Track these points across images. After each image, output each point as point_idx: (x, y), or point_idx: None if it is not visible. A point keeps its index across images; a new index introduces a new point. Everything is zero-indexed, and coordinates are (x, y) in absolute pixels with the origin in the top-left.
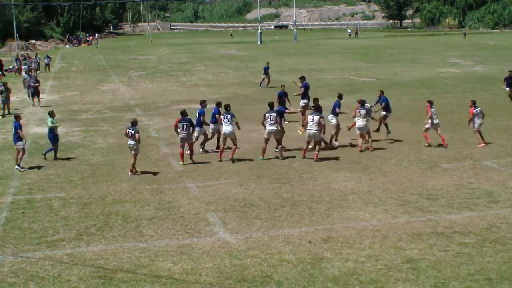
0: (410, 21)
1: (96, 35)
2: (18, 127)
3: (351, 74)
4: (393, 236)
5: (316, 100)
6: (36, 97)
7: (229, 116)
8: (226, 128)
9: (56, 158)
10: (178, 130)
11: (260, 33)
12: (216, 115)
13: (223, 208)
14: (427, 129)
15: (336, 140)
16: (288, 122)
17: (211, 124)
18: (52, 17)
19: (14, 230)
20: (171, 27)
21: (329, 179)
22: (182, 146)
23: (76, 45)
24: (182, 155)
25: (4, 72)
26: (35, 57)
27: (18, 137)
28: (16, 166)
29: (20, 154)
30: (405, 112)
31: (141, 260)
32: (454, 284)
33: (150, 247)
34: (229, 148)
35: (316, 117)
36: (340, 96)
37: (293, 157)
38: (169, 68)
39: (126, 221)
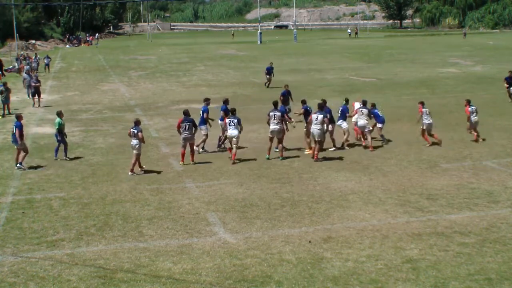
0: (410, 21)
1: (97, 35)
2: (18, 127)
3: (351, 74)
4: (393, 236)
5: (324, 101)
6: (36, 97)
7: (235, 121)
8: (232, 132)
9: (66, 157)
10: (181, 130)
11: (260, 33)
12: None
13: (223, 208)
14: (423, 131)
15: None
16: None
17: (219, 121)
18: (52, 17)
19: (14, 230)
20: (171, 27)
21: (329, 179)
22: (184, 146)
23: (76, 45)
24: (183, 155)
25: (4, 72)
26: (35, 57)
27: (20, 137)
28: (18, 165)
29: (15, 155)
30: (405, 112)
31: (141, 260)
32: (454, 284)
33: (150, 247)
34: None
35: (320, 116)
36: (347, 101)
37: (295, 157)
38: (169, 68)
39: (126, 221)
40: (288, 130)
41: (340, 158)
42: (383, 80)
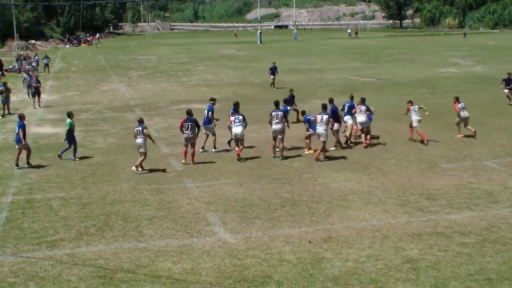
0: (410, 21)
1: (98, 34)
2: (22, 126)
3: (351, 74)
4: (393, 236)
5: (331, 100)
6: (37, 98)
7: (240, 117)
8: (237, 129)
9: (75, 158)
10: (183, 129)
11: (260, 33)
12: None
13: (223, 208)
14: (416, 128)
15: (349, 140)
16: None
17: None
18: (52, 17)
19: (14, 230)
20: (171, 27)
21: (329, 179)
22: (186, 146)
23: (76, 45)
24: (185, 154)
25: (4, 72)
26: (35, 57)
27: (20, 138)
28: (27, 165)
29: (16, 154)
30: (405, 112)
31: (141, 260)
32: (454, 284)
33: (150, 247)
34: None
35: (325, 117)
36: (352, 98)
37: (296, 156)
38: (169, 68)
39: (126, 221)
40: (288, 127)
41: (340, 158)
42: (383, 80)
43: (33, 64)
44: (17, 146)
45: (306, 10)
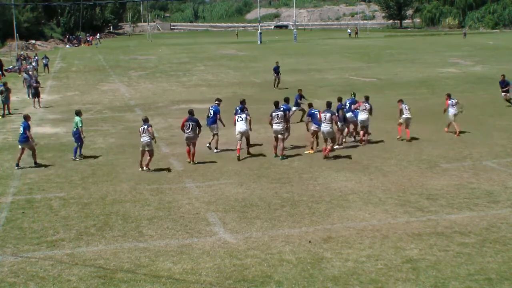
0: (410, 21)
1: (98, 34)
2: (26, 127)
3: (351, 74)
4: (393, 236)
5: (339, 99)
6: (36, 98)
7: (243, 115)
8: (241, 126)
9: (81, 155)
10: (185, 129)
11: (260, 33)
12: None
13: (223, 208)
14: (400, 124)
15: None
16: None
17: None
18: (52, 17)
19: (14, 230)
20: (171, 27)
21: (329, 179)
22: (189, 145)
23: (76, 45)
24: (188, 152)
25: (4, 72)
26: (35, 57)
27: (25, 137)
28: (34, 165)
29: (19, 154)
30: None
31: (141, 260)
32: (454, 284)
33: (150, 247)
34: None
35: (329, 115)
36: (354, 95)
37: (296, 155)
38: (169, 68)
39: (126, 221)
40: (288, 127)
41: (341, 158)
42: (383, 80)
43: (33, 64)
44: (20, 146)
45: (306, 10)
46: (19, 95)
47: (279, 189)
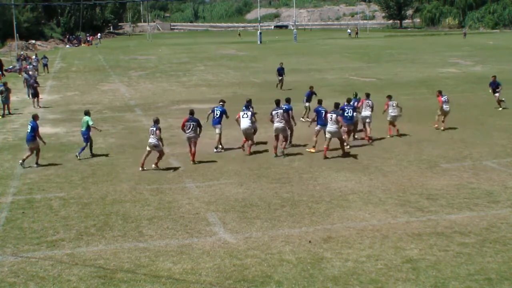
0: (410, 21)
1: (99, 34)
2: (35, 127)
3: (351, 74)
4: (393, 236)
5: (348, 100)
6: (36, 98)
7: (249, 113)
8: (244, 124)
9: (91, 154)
10: (185, 129)
11: (260, 33)
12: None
13: (223, 208)
14: (390, 122)
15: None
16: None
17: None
18: (52, 17)
19: (14, 230)
20: (171, 27)
21: (329, 179)
22: (190, 145)
23: (76, 45)
24: (191, 152)
25: (4, 72)
26: (35, 57)
27: (32, 136)
28: (35, 165)
29: (27, 153)
30: (405, 112)
31: (141, 260)
32: (454, 284)
33: (150, 247)
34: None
35: (334, 115)
36: (356, 95)
37: (297, 154)
38: (169, 68)
39: (126, 221)
40: (295, 125)
41: (341, 158)
42: (383, 80)
43: (34, 64)
44: (27, 146)
45: (306, 10)
46: (19, 95)
47: (279, 189)
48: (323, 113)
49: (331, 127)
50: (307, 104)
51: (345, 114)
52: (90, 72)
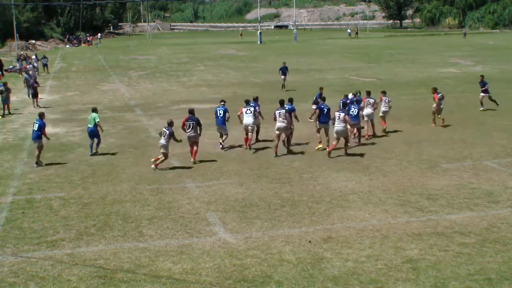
0: (410, 21)
1: (99, 35)
2: (42, 125)
3: (351, 74)
4: (393, 236)
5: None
6: (35, 98)
7: (252, 109)
8: (247, 120)
9: (97, 151)
10: (185, 128)
11: (260, 33)
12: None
13: (223, 208)
14: (382, 117)
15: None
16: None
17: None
18: (52, 17)
19: (14, 230)
20: (171, 27)
21: (329, 179)
22: (191, 145)
23: (76, 45)
24: (192, 152)
25: (4, 72)
26: (35, 57)
27: (38, 135)
28: (35, 164)
29: (37, 152)
30: (405, 112)
31: (141, 260)
32: (454, 284)
33: (150, 247)
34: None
35: (342, 114)
36: (359, 93)
37: (298, 153)
38: (169, 68)
39: (126, 221)
40: (298, 121)
41: (341, 158)
42: (383, 80)
43: (34, 64)
44: (36, 144)
45: (306, 10)
46: (19, 95)
47: (279, 189)
48: (326, 111)
49: (338, 126)
50: (314, 106)
51: (350, 112)
52: (90, 72)
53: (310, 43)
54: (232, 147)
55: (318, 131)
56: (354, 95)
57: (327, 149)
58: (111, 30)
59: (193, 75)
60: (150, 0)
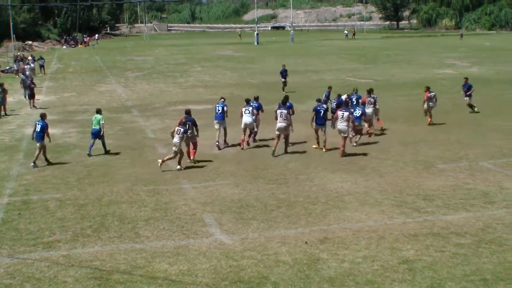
0: (407, 22)
1: (97, 35)
2: (45, 126)
3: (348, 75)
4: (389, 237)
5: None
6: (32, 99)
7: (250, 108)
8: (246, 118)
9: (90, 153)
10: None
11: (257, 34)
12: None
13: (220, 209)
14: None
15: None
16: None
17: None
18: (49, 18)
19: (10, 231)
20: (168, 28)
21: (325, 180)
22: (188, 145)
23: (73, 46)
24: (188, 153)
25: (1, 73)
26: (32, 58)
27: (42, 136)
28: (32, 164)
29: (37, 152)
30: (401, 113)
31: (138, 261)
32: (450, 284)
33: (147, 248)
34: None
35: (346, 113)
36: (356, 91)
37: (295, 153)
38: (166, 69)
39: (122, 222)
40: (293, 131)
41: (337, 159)
42: (380, 81)
43: (31, 64)
44: (38, 144)
45: (303, 11)
46: (15, 96)
47: (275, 190)
48: (322, 112)
49: (341, 125)
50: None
51: (355, 114)
52: (87, 73)
53: (307, 44)
54: (228, 146)
55: (316, 132)
56: (353, 93)
57: (340, 152)
58: (108, 31)
59: (190, 76)
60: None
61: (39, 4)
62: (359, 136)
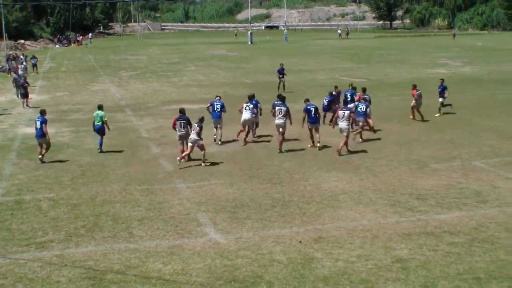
0: (400, 22)
1: (90, 34)
2: (44, 122)
3: (342, 75)
4: (383, 236)
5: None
6: (25, 99)
7: (251, 106)
8: (246, 115)
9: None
10: (176, 128)
11: (251, 33)
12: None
13: (214, 209)
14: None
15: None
16: None
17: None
18: (42, 16)
19: (2, 232)
20: (162, 27)
21: (320, 180)
22: (182, 144)
23: (66, 45)
24: (182, 152)
25: None
26: (23, 56)
27: (43, 133)
28: (40, 161)
29: (39, 149)
30: (395, 112)
31: (131, 261)
32: (444, 283)
33: (141, 248)
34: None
35: (347, 112)
36: (353, 87)
37: (290, 151)
38: (160, 68)
39: (116, 222)
40: (291, 124)
41: (331, 158)
42: (373, 81)
43: (24, 63)
44: (37, 141)
45: (297, 11)
46: (8, 96)
47: (269, 189)
48: (313, 111)
49: (342, 123)
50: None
51: (358, 110)
52: (80, 72)
53: (301, 44)
54: (223, 143)
55: (311, 131)
56: (348, 89)
57: (338, 149)
58: (101, 30)
59: (183, 75)
60: (141, 0)
61: (31, 3)
62: (360, 130)
